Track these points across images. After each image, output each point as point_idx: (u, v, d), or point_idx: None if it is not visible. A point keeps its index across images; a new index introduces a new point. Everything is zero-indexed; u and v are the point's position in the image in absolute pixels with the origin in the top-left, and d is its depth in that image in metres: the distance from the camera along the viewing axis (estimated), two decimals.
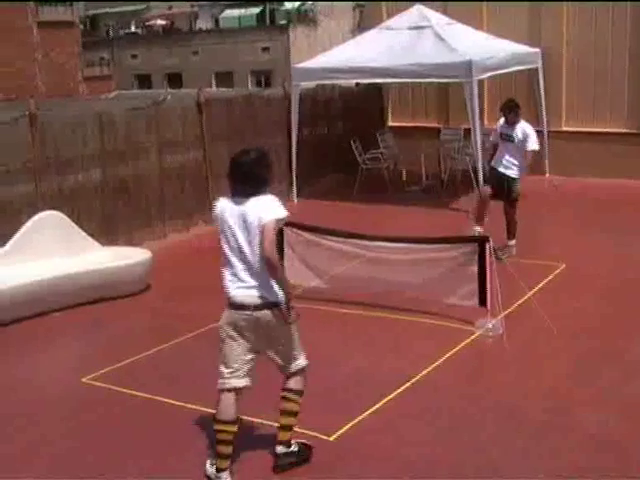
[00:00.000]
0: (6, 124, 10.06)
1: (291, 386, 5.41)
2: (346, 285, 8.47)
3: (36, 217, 9.34)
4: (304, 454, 5.50)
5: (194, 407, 6.31)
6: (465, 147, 14.14)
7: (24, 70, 32.93)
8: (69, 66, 35.50)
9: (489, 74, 13.57)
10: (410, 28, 14.00)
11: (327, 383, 6.73)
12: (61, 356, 8.03)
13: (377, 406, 6.22)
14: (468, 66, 12.56)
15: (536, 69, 14.85)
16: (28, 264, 8.79)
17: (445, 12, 15.05)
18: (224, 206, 5.21)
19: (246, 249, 5.11)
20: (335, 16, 42.60)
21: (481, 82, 13.66)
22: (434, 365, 6.93)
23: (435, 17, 14.30)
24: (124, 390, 6.75)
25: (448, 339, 7.46)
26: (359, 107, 15.96)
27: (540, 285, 8.84)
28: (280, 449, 5.45)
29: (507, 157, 10.06)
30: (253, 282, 5.13)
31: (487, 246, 7.55)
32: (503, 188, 10.09)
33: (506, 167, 10.06)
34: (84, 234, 9.61)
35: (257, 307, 5.12)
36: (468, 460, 5.46)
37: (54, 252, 9.08)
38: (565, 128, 15.08)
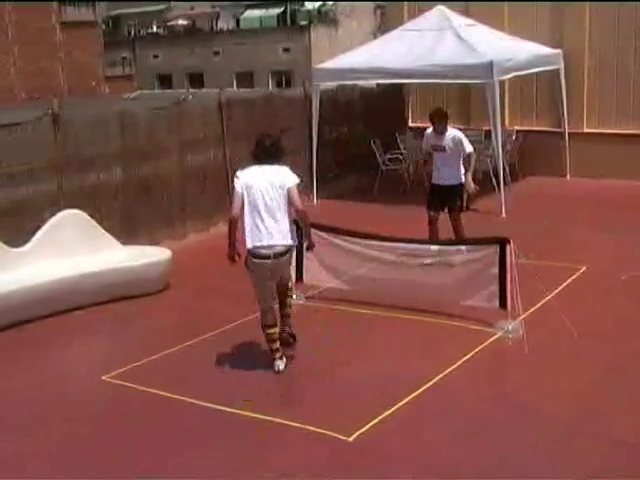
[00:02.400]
0: (29, 123, 10.13)
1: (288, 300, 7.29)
2: (366, 286, 8.47)
3: (58, 215, 9.41)
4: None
5: (210, 405, 6.35)
6: (486, 148, 14.09)
7: (47, 70, 33.17)
8: (91, 66, 35.71)
9: (510, 75, 13.52)
10: (431, 29, 13.96)
11: (346, 383, 6.75)
12: (83, 354, 8.09)
13: (396, 407, 6.21)
14: (489, 67, 12.53)
15: (557, 70, 14.78)
16: (50, 262, 8.86)
17: (466, 13, 15.01)
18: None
19: None
20: (356, 17, 42.52)
21: (502, 83, 13.62)
22: (454, 366, 6.92)
23: (456, 18, 14.27)
24: (142, 388, 6.79)
25: (468, 341, 7.45)
26: (380, 108, 15.92)
27: (561, 287, 8.79)
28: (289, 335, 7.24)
29: (444, 168, 9.73)
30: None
31: (508, 248, 7.53)
32: (447, 200, 9.73)
33: (445, 179, 9.73)
34: (105, 233, 9.67)
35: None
36: (491, 462, 5.44)
37: (75, 250, 9.15)
38: (586, 130, 14.99)
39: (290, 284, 7.37)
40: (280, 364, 6.99)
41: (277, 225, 6.81)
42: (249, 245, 6.83)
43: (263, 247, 6.79)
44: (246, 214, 6.83)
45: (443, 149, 9.71)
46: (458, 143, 9.68)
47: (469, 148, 9.71)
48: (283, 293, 7.18)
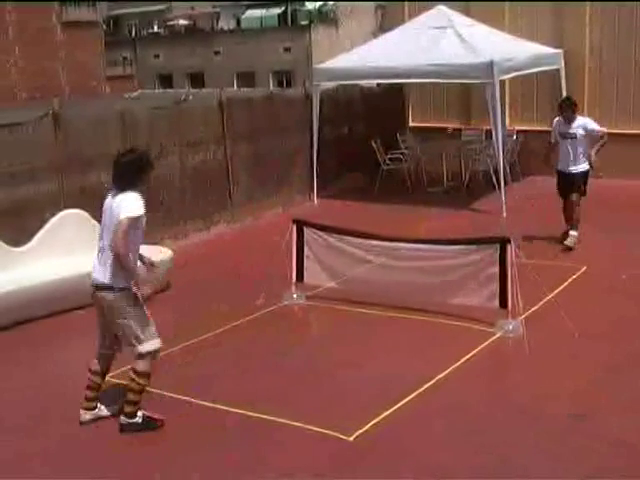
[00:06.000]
0: (30, 123, 10.13)
1: (134, 366, 6.04)
2: (366, 286, 8.47)
3: (59, 215, 9.42)
4: (150, 425, 6.02)
5: (210, 405, 6.36)
6: (486, 148, 14.10)
7: (48, 69, 33.26)
8: (92, 65, 35.80)
9: (510, 75, 13.53)
10: (431, 29, 13.97)
11: (346, 383, 6.75)
12: (83, 354, 8.04)
13: (397, 407, 6.21)
14: (489, 67, 12.53)
15: (558, 70, 14.78)
16: (51, 262, 8.87)
17: (467, 13, 15.01)
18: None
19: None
20: (356, 16, 42.60)
21: (502, 83, 13.62)
22: (454, 366, 6.92)
23: (457, 18, 14.28)
24: None
25: (468, 340, 7.45)
26: (380, 107, 15.93)
27: (561, 287, 8.80)
28: (123, 419, 6.03)
29: (572, 156, 10.25)
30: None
31: (508, 247, 7.53)
32: (573, 184, 10.29)
33: (574, 166, 10.28)
34: None
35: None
36: (491, 461, 5.44)
37: (76, 250, 9.13)
38: None
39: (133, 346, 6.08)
40: (85, 414, 6.18)
41: (101, 258, 6.06)
42: None
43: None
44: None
45: (573, 136, 10.18)
46: (589, 129, 10.17)
47: (601, 128, 10.20)
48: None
